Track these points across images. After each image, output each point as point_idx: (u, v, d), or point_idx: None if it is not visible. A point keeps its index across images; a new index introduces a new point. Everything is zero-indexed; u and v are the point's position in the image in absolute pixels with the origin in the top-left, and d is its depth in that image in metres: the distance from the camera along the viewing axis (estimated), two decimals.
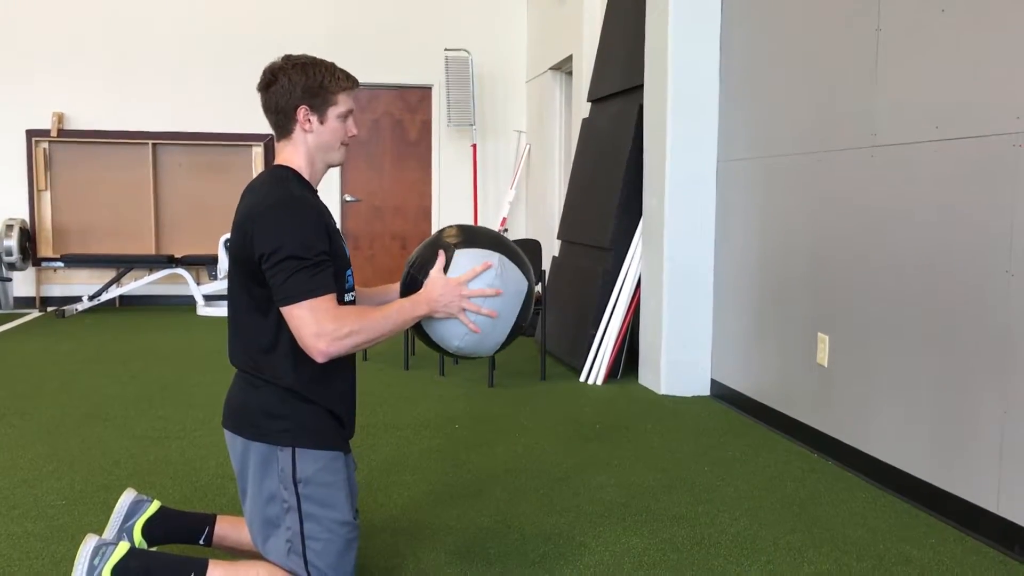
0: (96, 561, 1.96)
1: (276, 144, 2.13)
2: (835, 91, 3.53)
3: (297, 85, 2.04)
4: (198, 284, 7.88)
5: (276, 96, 2.06)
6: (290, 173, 2.08)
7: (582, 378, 5.05)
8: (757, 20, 4.16)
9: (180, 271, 7.81)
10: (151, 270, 7.90)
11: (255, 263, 1.96)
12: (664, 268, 4.61)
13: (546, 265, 6.43)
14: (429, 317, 2.09)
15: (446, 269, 2.09)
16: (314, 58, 2.09)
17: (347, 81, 2.10)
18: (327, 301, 1.94)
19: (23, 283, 8.06)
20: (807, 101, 3.74)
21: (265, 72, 2.07)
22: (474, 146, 8.45)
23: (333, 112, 2.09)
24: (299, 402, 2.02)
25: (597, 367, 5.01)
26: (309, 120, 2.07)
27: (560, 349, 5.58)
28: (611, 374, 5.04)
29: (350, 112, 2.12)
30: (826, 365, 3.59)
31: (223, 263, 7.53)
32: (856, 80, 3.39)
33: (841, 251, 3.50)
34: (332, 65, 2.09)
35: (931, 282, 2.98)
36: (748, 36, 4.26)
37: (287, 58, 2.08)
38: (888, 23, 3.20)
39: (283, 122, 2.08)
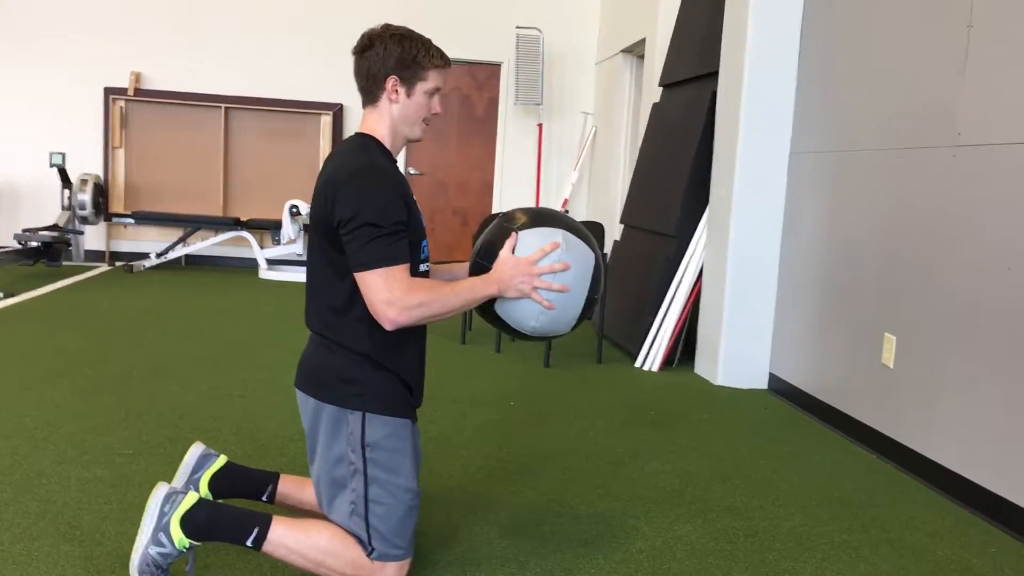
0: (166, 508, 2.02)
1: (363, 110, 2.16)
2: (919, 87, 3.45)
3: (392, 55, 2.06)
4: (262, 248, 8.01)
5: (369, 62, 2.08)
6: (373, 142, 2.11)
7: (638, 363, 5.04)
8: (840, 9, 4.08)
9: (245, 234, 7.95)
10: (217, 231, 8.06)
11: (334, 228, 2.00)
12: (728, 258, 4.57)
13: (608, 249, 6.41)
14: (500, 296, 2.10)
15: (513, 251, 2.10)
16: (412, 31, 2.11)
17: (440, 59, 2.12)
18: (401, 270, 1.97)
19: (94, 237, 8.28)
20: (888, 95, 3.66)
21: (363, 37, 2.10)
22: (540, 125, 8.43)
23: (421, 87, 2.11)
24: (372, 368, 2.06)
25: (654, 354, 4.99)
26: (397, 91, 2.09)
27: (617, 333, 5.57)
28: (667, 361, 5.02)
29: (437, 90, 2.14)
30: (891, 366, 3.53)
31: (287, 228, 7.64)
32: (943, 77, 3.30)
33: (914, 251, 3.44)
34: (428, 41, 2.12)
35: (1006, 288, 2.91)
36: (830, 25, 4.17)
37: (386, 27, 2.10)
38: (980, 19, 3.11)
39: (372, 89, 2.11)
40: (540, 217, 2.17)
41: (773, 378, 4.59)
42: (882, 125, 3.70)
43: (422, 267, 2.13)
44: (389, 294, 1.95)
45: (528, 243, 2.11)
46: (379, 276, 1.95)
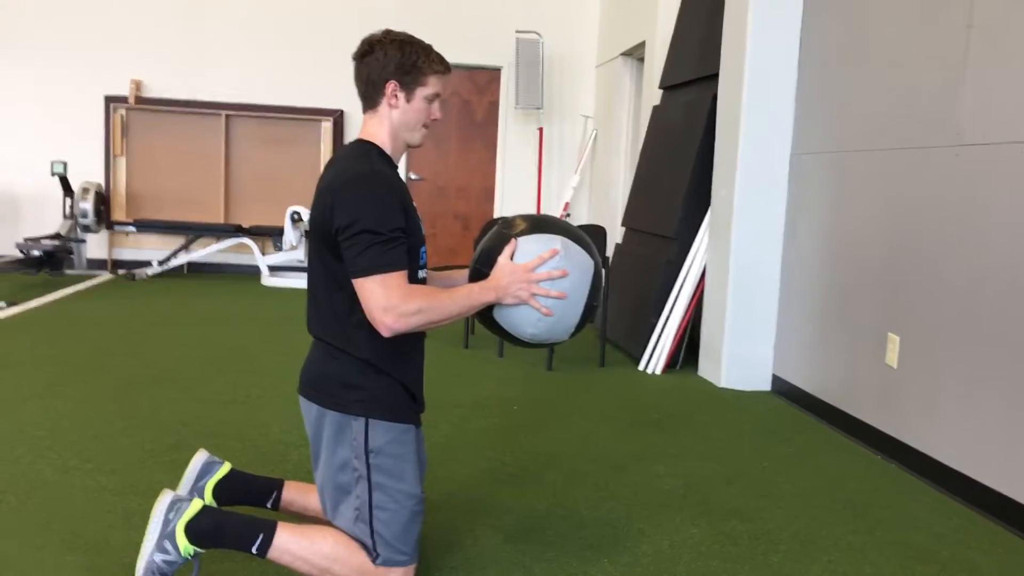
0: (171, 516, 2.02)
1: (363, 116, 2.17)
2: (920, 87, 3.45)
3: (391, 60, 2.07)
4: (263, 254, 8.01)
5: (369, 67, 2.09)
6: (373, 148, 2.12)
7: (641, 366, 5.03)
8: (839, 11, 4.08)
9: (247, 241, 7.95)
10: (219, 239, 8.06)
11: (333, 235, 2.00)
12: (730, 260, 4.57)
13: (609, 252, 6.41)
14: (498, 303, 2.10)
15: (512, 257, 2.10)
16: (413, 37, 2.11)
17: (440, 65, 2.12)
18: (398, 277, 1.96)
19: (96, 245, 8.29)
20: (889, 96, 3.66)
21: (363, 42, 2.11)
22: (540, 129, 8.43)
23: (421, 92, 2.11)
24: (375, 374, 2.06)
25: (657, 356, 4.99)
26: (396, 96, 2.09)
27: (620, 336, 5.57)
28: (670, 364, 5.01)
29: (437, 96, 2.14)
30: (895, 366, 3.53)
31: (289, 235, 7.65)
32: (943, 77, 3.30)
33: (917, 251, 3.43)
34: (429, 47, 2.12)
35: (1009, 286, 2.90)
36: (829, 26, 4.17)
37: (387, 32, 2.11)
38: (981, 20, 3.11)
39: (371, 94, 2.11)
40: (539, 224, 2.17)
41: (776, 380, 4.58)
42: (883, 126, 3.70)
43: (420, 273, 2.14)
44: (386, 301, 1.95)
45: (527, 250, 2.11)
46: (376, 283, 1.95)
